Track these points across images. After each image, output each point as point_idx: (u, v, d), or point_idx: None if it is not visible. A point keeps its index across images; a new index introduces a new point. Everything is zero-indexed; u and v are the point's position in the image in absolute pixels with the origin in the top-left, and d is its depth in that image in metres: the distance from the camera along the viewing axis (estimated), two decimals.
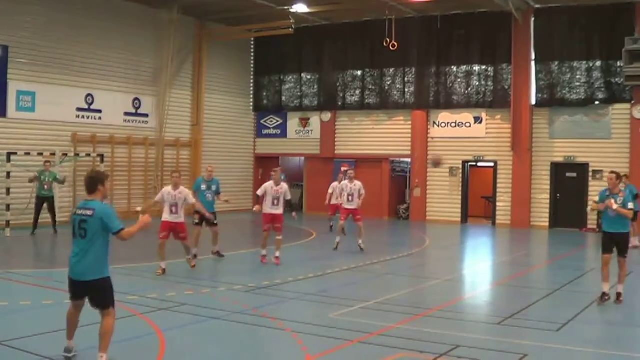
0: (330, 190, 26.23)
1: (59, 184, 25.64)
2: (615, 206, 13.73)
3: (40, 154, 26.02)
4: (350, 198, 21.97)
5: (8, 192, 24.46)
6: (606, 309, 13.80)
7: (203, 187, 19.78)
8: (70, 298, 9.63)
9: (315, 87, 36.74)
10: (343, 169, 34.49)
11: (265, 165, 38.34)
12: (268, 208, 18.94)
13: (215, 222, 19.33)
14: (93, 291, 9.41)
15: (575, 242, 26.27)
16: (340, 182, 25.60)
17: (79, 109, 29.11)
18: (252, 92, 38.54)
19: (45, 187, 24.77)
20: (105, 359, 9.20)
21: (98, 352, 9.24)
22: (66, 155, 27.62)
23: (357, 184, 22.11)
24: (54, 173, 25.23)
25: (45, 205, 24.92)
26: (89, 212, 9.25)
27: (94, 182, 9.48)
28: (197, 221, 19.34)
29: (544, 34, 30.66)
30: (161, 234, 17.09)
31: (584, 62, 29.92)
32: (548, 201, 30.91)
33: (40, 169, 24.98)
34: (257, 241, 20.04)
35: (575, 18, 29.99)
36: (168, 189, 17.37)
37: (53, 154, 26.69)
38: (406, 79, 34.01)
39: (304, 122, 37.27)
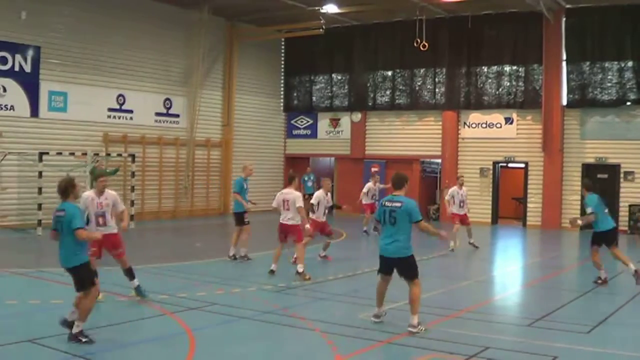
0: (365, 190, 26.58)
1: (112, 175, 25.52)
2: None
3: (72, 154, 26.22)
4: (462, 204, 23.13)
5: (40, 191, 24.68)
6: (637, 311, 13.71)
7: (245, 186, 19.83)
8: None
9: (346, 87, 36.75)
10: (373, 169, 34.69)
11: (295, 165, 38.36)
12: None
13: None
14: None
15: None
16: (375, 184, 26.03)
17: (110, 109, 29.33)
18: (282, 93, 38.64)
19: None
20: None
21: None
22: (98, 155, 27.79)
23: (465, 189, 23.55)
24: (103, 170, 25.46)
25: None
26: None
27: None
28: (247, 220, 19.34)
29: (575, 34, 30.45)
30: (91, 250, 12.65)
31: (616, 63, 29.68)
32: (579, 202, 30.69)
33: (91, 167, 25.32)
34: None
35: (606, 18, 29.73)
36: (91, 194, 13.71)
37: (85, 154, 26.87)
38: (437, 79, 33.95)
39: (335, 122, 37.30)
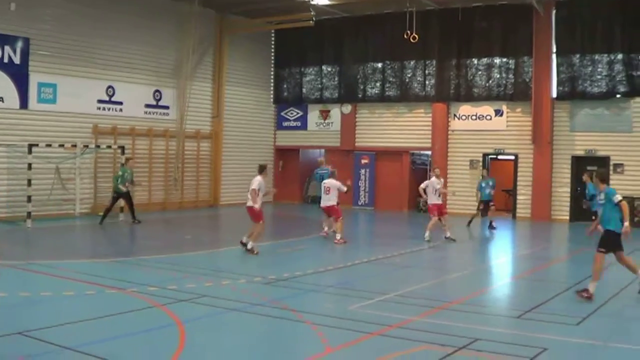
0: (423, 186, 24.05)
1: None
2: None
3: (62, 146, 26.21)
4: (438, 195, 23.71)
5: (29, 183, 24.61)
6: (627, 303, 13.76)
7: (483, 185, 27.07)
8: None
9: (336, 79, 36.71)
10: (363, 161, 34.74)
11: (285, 157, 38.46)
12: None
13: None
14: None
15: (595, 236, 26.09)
16: (439, 178, 24.51)
17: (99, 101, 29.22)
18: (272, 84, 38.57)
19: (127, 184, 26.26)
20: None
21: None
22: (87, 147, 27.73)
23: (441, 180, 24.34)
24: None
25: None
26: None
27: None
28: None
29: (566, 27, 30.49)
30: None
31: (606, 55, 29.71)
32: (569, 194, 30.79)
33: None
34: (277, 232, 20.15)
35: (596, 10, 29.78)
36: None
37: (74, 146, 26.87)
38: (427, 71, 33.93)
39: (325, 114, 37.27)
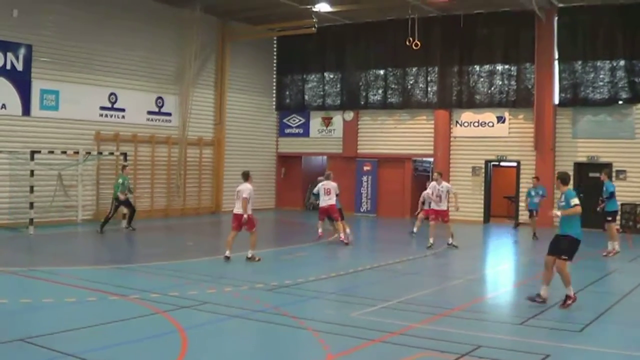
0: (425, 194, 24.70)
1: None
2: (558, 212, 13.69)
3: (64, 153, 26.23)
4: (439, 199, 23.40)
5: (31, 190, 24.60)
6: (630, 309, 13.73)
7: (532, 193, 26.47)
8: None
9: (338, 86, 36.72)
10: (366, 168, 34.73)
11: (287, 164, 38.44)
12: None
13: None
14: None
15: (598, 243, 26.04)
16: (440, 183, 23.70)
17: (102, 108, 29.22)
18: (274, 91, 38.60)
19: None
20: None
21: None
22: (89, 153, 27.74)
23: (444, 184, 23.75)
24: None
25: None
26: None
27: None
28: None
29: (567, 33, 30.50)
30: None
31: (608, 62, 29.73)
32: None
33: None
34: (279, 239, 20.11)
35: (598, 17, 29.80)
36: None
37: (76, 152, 26.91)
38: (429, 78, 33.93)
39: (327, 121, 37.28)
